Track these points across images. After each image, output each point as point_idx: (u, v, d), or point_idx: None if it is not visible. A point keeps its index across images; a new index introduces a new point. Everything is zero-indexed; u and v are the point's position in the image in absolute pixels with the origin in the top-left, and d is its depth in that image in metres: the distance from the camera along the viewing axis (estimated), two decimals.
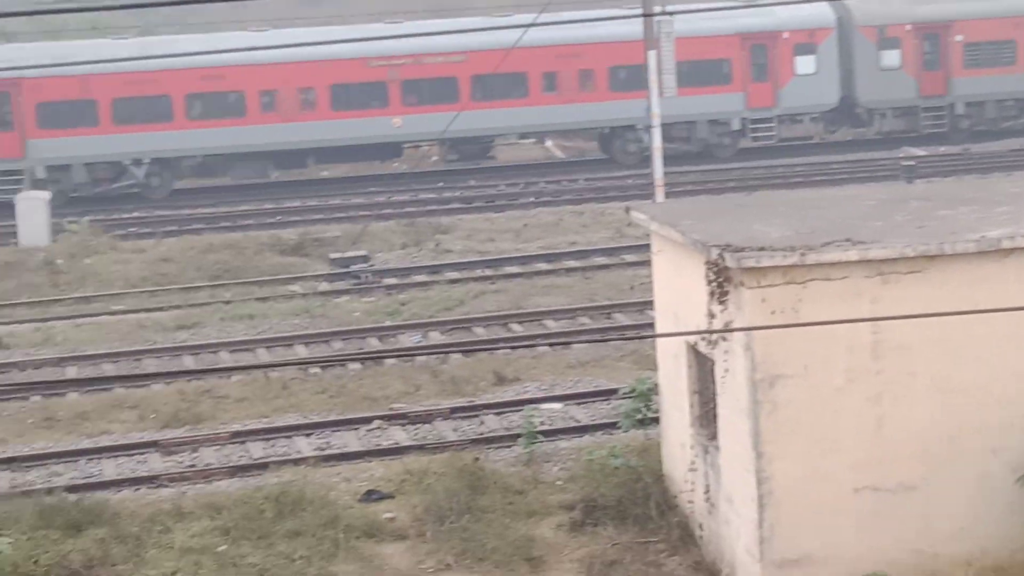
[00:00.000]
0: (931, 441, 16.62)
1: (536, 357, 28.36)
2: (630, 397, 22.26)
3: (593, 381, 26.70)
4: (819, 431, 16.48)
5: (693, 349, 18.53)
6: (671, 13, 34.80)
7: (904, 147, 52.63)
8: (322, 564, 19.19)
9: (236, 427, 25.20)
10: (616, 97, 50.06)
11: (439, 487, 20.85)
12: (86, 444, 24.84)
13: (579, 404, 25.52)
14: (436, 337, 30.51)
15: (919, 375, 16.54)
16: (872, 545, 16.63)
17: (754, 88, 51.69)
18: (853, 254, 16.26)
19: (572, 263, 36.71)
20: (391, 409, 25.77)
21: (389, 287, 35.25)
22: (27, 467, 23.83)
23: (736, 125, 51.95)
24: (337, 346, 30.31)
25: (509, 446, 23.33)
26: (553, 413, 25.05)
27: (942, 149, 52.52)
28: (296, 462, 23.05)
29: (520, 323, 31.15)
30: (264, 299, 34.21)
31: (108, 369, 29.36)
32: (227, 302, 34.04)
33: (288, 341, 30.61)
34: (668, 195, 35.10)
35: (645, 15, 33.22)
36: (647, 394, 21.83)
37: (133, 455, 24.22)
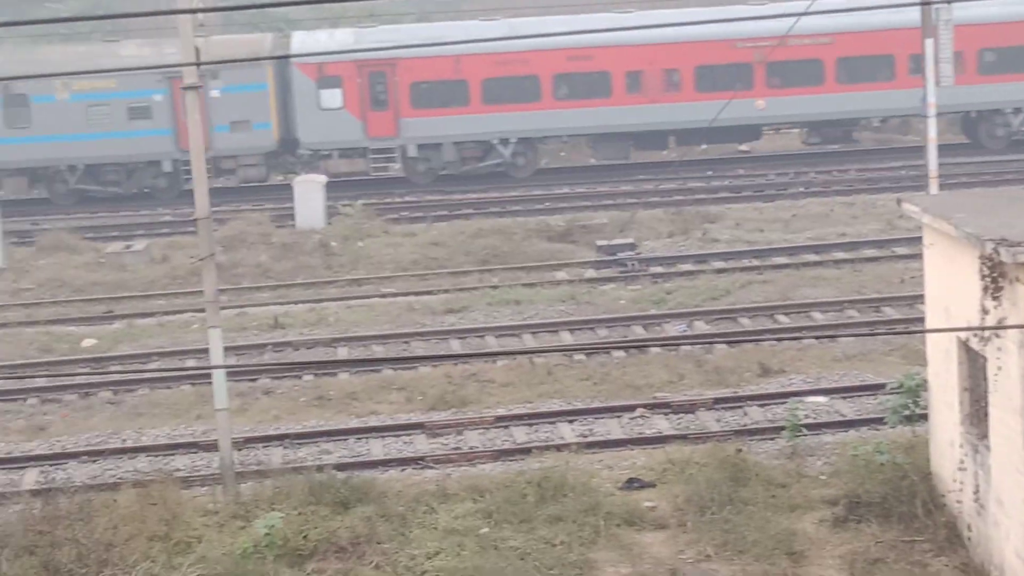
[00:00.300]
0: None
1: (802, 349, 28.05)
2: (898, 392, 21.81)
3: (860, 375, 26.28)
4: None
5: (964, 345, 18.09)
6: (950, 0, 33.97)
7: None
8: (582, 550, 19.28)
9: (500, 411, 25.49)
10: (984, 80, 49.20)
11: (701, 477, 20.77)
12: (355, 423, 25.42)
13: (845, 398, 25.15)
14: (701, 326, 30.38)
15: None
16: None
17: None
18: None
19: (841, 255, 36.15)
20: (654, 398, 25.76)
21: (655, 275, 35.22)
22: (299, 444, 24.50)
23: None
24: (602, 333, 30.41)
25: (772, 438, 23.13)
26: (818, 406, 24.74)
27: None
28: (559, 448, 23.21)
29: (786, 314, 30.82)
30: (531, 285, 34.50)
31: (378, 351, 29.98)
32: (494, 287, 34.43)
33: (553, 327, 30.83)
34: (942, 187, 34.26)
35: (924, 3, 32.45)
36: (915, 390, 21.38)
37: (400, 436, 24.69)
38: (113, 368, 29.67)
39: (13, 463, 24.33)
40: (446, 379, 27.33)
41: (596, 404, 25.61)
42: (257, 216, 42.88)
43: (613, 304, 32.65)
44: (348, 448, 24.30)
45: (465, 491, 21.19)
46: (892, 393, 22.30)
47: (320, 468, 22.01)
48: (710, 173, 49.60)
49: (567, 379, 27.17)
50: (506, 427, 24.73)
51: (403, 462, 23.38)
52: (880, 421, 22.84)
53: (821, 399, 25.08)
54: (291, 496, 20.78)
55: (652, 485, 21.44)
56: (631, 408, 25.19)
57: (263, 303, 34.48)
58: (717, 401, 25.27)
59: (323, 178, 44.96)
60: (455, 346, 30.07)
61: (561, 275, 35.59)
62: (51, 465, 24.18)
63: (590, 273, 35.76)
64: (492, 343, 30.15)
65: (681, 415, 24.85)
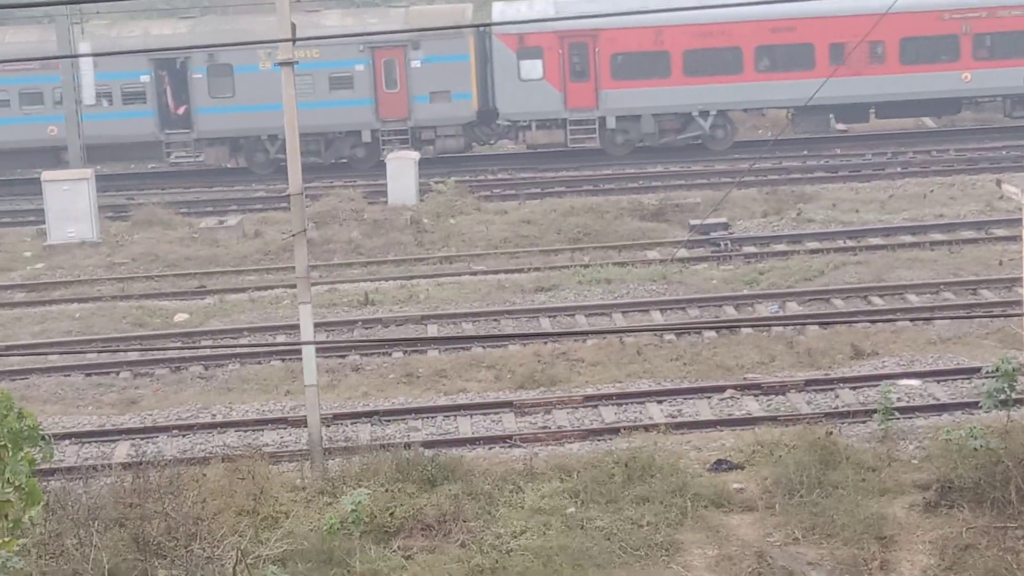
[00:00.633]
0: None
1: (895, 332, 27.70)
2: (993, 376, 21.48)
3: (954, 358, 25.91)
4: None
5: None
6: None
7: None
8: (668, 531, 19.18)
9: (589, 390, 25.38)
10: None
11: (790, 460, 20.58)
12: (443, 401, 25.42)
13: (939, 381, 24.81)
14: (793, 308, 30.10)
15: None
16: None
17: None
18: None
19: (938, 236, 35.66)
20: (744, 379, 25.56)
21: (748, 255, 34.92)
22: (387, 421, 24.54)
23: None
24: (693, 313, 30.21)
25: (864, 422, 22.88)
26: (911, 390, 24.43)
27: None
28: (647, 428, 23.08)
29: (880, 296, 30.45)
30: (622, 264, 34.33)
31: (467, 328, 29.95)
32: (585, 265, 34.30)
33: (644, 307, 30.67)
34: None
35: None
36: (1012, 374, 21.06)
37: (488, 414, 24.66)
38: (204, 343, 29.87)
39: (105, 436, 24.57)
40: (535, 358, 27.25)
41: (685, 384, 25.44)
42: (349, 192, 42.97)
43: (705, 284, 32.41)
44: (436, 426, 24.31)
45: (552, 470, 21.13)
46: (987, 377, 21.99)
47: (407, 445, 22.04)
48: (806, 152, 49.12)
49: (657, 359, 27.01)
50: (595, 407, 24.63)
51: (491, 440, 23.35)
52: (975, 405, 22.52)
53: (914, 382, 24.77)
54: (378, 473, 20.81)
55: (740, 467, 21.27)
56: (721, 389, 25.00)
57: (354, 279, 34.56)
58: (808, 383, 25.02)
59: (416, 154, 45.00)
60: (545, 324, 29.98)
61: (653, 254, 35.39)
62: (142, 439, 24.41)
63: (682, 253, 35.52)
64: (582, 322, 30.04)
65: (771, 397, 24.64)
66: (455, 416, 24.62)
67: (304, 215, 22.17)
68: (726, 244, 35.75)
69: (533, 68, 48.62)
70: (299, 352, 24.53)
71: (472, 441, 23.31)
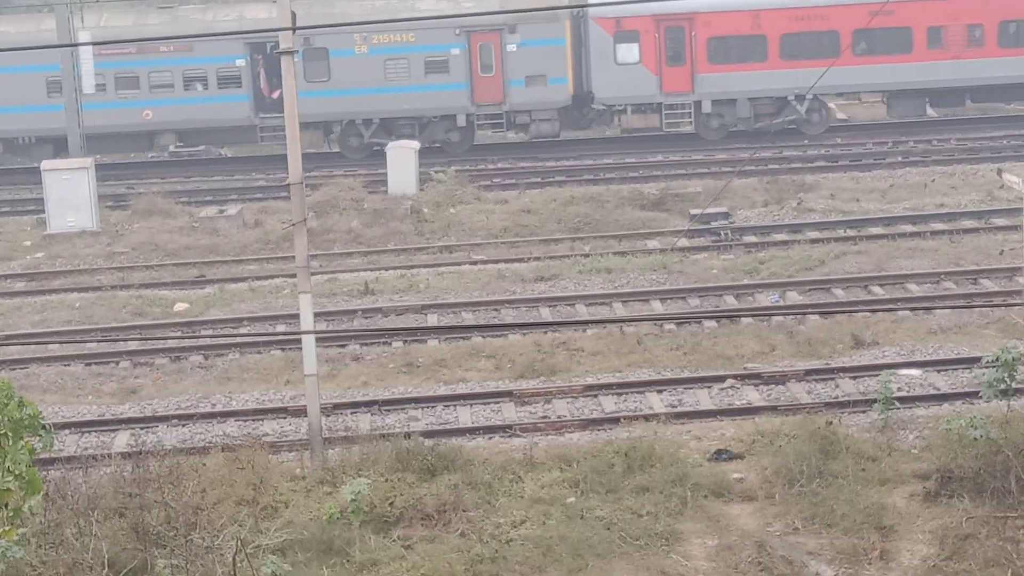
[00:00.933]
0: None
1: (896, 321, 27.69)
2: (994, 366, 21.47)
3: (955, 348, 25.91)
4: None
5: None
6: None
7: None
8: (668, 521, 19.19)
9: (589, 380, 25.37)
10: None
11: (790, 449, 20.59)
12: (443, 391, 25.41)
13: (939, 371, 24.80)
14: (794, 297, 30.08)
15: None
16: None
17: None
18: None
19: (939, 225, 35.63)
20: (745, 368, 25.54)
21: (748, 245, 34.91)
22: (387, 411, 24.53)
23: None
24: (693, 303, 30.19)
25: (864, 411, 22.87)
26: (911, 379, 24.42)
27: None
28: (647, 418, 23.09)
29: (881, 286, 30.44)
30: (622, 253, 34.32)
31: (467, 318, 29.95)
32: (586, 255, 34.27)
33: (644, 296, 30.66)
34: None
35: None
36: (1012, 364, 21.07)
37: (488, 403, 24.66)
38: (204, 332, 29.86)
39: (105, 425, 24.57)
40: (535, 347, 27.24)
41: (686, 374, 25.44)
42: (349, 182, 42.94)
43: (705, 273, 32.39)
44: (436, 415, 24.30)
45: (552, 460, 21.14)
46: (988, 367, 21.97)
47: (407, 435, 22.02)
48: (806, 142, 49.07)
49: (657, 348, 26.99)
50: (595, 396, 24.62)
51: (491, 430, 23.35)
52: (975, 395, 22.52)
53: (915, 372, 24.77)
54: (378, 463, 20.82)
55: (741, 457, 21.27)
56: (721, 379, 25.00)
57: (354, 269, 34.54)
58: (808, 372, 25.02)
59: (416, 144, 44.94)
60: (545, 314, 29.96)
61: (653, 244, 35.37)
62: (142, 428, 24.41)
63: (683, 242, 35.50)
64: (582, 311, 30.03)
65: (772, 386, 24.63)
66: (455, 406, 24.62)
67: (304, 204, 22.15)
68: (727, 233, 35.72)
69: (629, 52, 48.53)
70: (299, 341, 24.51)
71: (472, 431, 23.31)
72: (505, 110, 48.66)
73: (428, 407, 24.65)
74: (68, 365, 28.10)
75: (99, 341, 29.29)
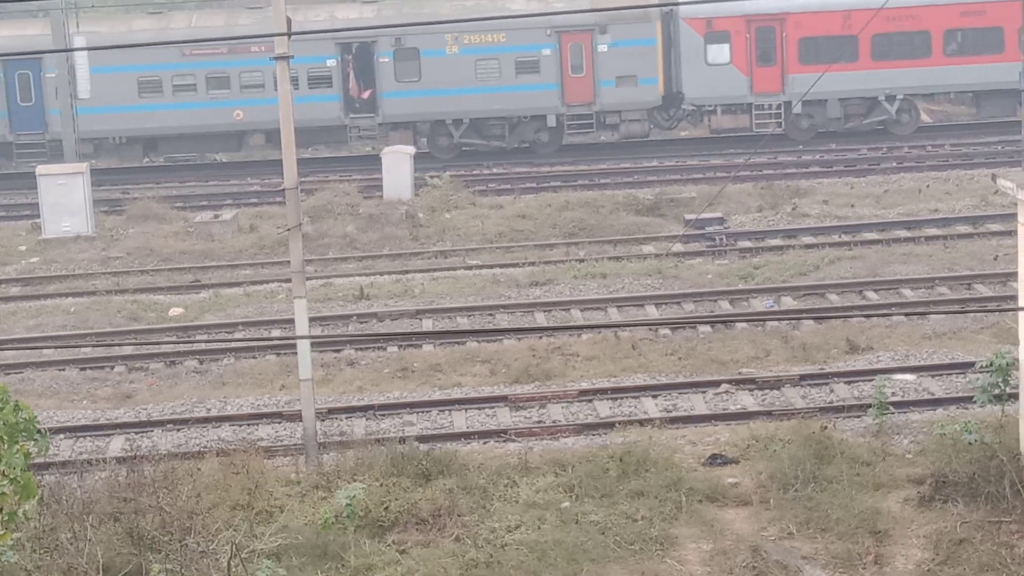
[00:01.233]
0: None
1: (890, 326, 27.72)
2: (988, 371, 21.50)
3: (949, 353, 25.93)
4: None
5: None
6: None
7: None
8: (663, 526, 19.20)
9: (584, 385, 25.39)
10: None
11: (785, 455, 20.60)
12: (438, 395, 25.42)
13: (933, 376, 24.83)
14: (788, 302, 30.11)
15: None
16: None
17: None
18: None
19: (933, 231, 35.68)
20: (740, 373, 25.57)
21: (743, 250, 34.94)
22: (382, 415, 24.53)
23: None
24: (688, 308, 30.21)
25: (859, 416, 22.88)
26: (906, 384, 24.45)
27: None
28: (642, 423, 23.10)
29: (876, 291, 30.48)
30: (617, 258, 34.34)
31: (462, 323, 29.96)
32: (580, 260, 34.30)
33: (639, 301, 30.68)
34: None
35: None
36: (1006, 369, 21.07)
37: (483, 408, 24.66)
38: (199, 337, 29.86)
39: (100, 430, 24.56)
40: (530, 352, 27.25)
41: (681, 379, 25.45)
42: (344, 187, 42.96)
43: (700, 279, 32.42)
44: (431, 420, 24.30)
45: (547, 465, 21.15)
46: (982, 372, 22.00)
47: (402, 440, 22.04)
48: (801, 147, 49.12)
49: (652, 353, 27.01)
50: (589, 401, 24.63)
51: (486, 435, 23.35)
52: (969, 400, 22.52)
53: (909, 377, 24.79)
54: (373, 467, 20.83)
55: (735, 461, 21.29)
56: (716, 384, 25.01)
57: (349, 274, 34.56)
58: (803, 377, 25.04)
59: (411, 149, 44.94)
60: (540, 319, 29.99)
61: (648, 249, 35.40)
62: (137, 433, 24.40)
63: (678, 247, 35.52)
64: (577, 316, 30.05)
65: (766, 391, 24.65)
66: (450, 410, 24.62)
67: (299, 209, 22.16)
68: (721, 239, 35.76)
69: (720, 52, 48.68)
70: (294, 346, 24.53)
71: (467, 435, 23.31)
72: (595, 111, 48.74)
73: (423, 412, 24.65)
74: (63, 370, 28.09)
75: (94, 346, 29.26)
